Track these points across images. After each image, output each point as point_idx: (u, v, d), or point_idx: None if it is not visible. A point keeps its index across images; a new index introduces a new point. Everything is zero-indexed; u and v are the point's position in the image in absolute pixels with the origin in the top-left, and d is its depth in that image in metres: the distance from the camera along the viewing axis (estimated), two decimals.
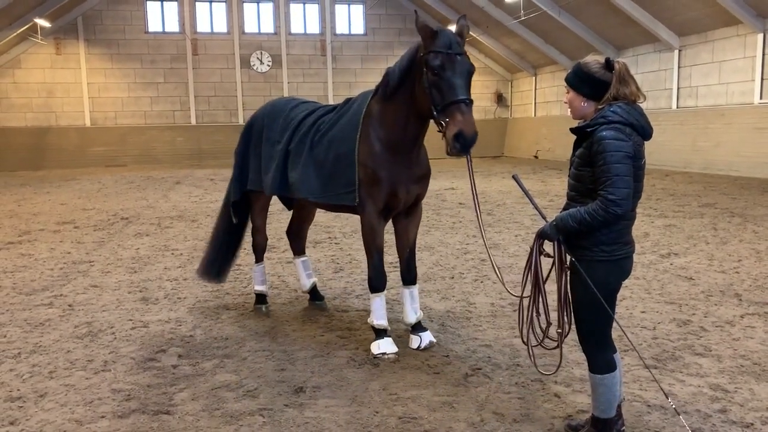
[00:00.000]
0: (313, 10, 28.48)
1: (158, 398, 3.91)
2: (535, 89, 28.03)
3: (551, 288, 3.29)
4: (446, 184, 16.65)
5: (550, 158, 25.52)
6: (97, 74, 26.46)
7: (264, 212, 5.82)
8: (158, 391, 4.03)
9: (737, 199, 12.34)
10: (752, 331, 4.94)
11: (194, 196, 15.11)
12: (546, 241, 3.21)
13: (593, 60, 3.09)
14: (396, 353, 4.54)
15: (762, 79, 16.64)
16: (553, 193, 14.35)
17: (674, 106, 19.83)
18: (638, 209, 3.21)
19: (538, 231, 3.22)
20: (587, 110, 3.11)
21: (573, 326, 3.23)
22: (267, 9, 28.09)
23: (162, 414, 3.69)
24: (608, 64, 3.04)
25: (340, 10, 28.83)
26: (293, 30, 28.32)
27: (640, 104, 3.08)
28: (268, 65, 27.93)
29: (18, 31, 23.10)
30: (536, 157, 27.05)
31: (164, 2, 27.26)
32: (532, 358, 3.40)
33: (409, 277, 4.88)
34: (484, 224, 4.36)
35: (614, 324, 3.16)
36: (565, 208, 3.18)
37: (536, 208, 3.31)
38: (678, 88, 19.74)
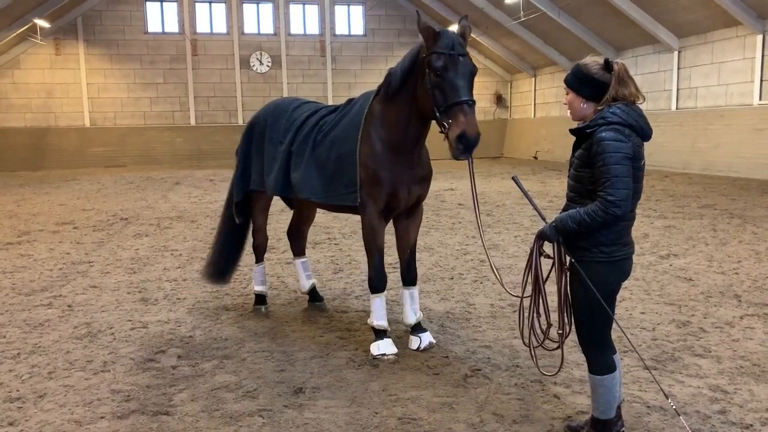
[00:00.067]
0: (312, 10, 28.48)
1: (158, 399, 3.91)
2: (535, 90, 28.04)
3: (551, 289, 3.29)
4: (445, 184, 16.66)
5: (550, 159, 25.52)
6: (97, 75, 26.44)
7: (265, 212, 5.83)
8: (157, 391, 4.02)
9: (736, 200, 12.35)
10: (752, 332, 4.94)
11: (194, 197, 15.11)
12: (546, 242, 3.21)
13: (592, 61, 3.10)
14: (395, 354, 4.54)
15: (761, 80, 16.64)
16: (552, 194, 14.36)
17: (674, 107, 19.84)
18: (637, 210, 3.21)
19: (537, 232, 3.22)
20: (587, 111, 3.11)
21: (573, 327, 3.23)
22: (266, 10, 28.09)
23: (161, 415, 3.69)
24: (607, 65, 3.04)
25: (340, 11, 28.83)
26: (293, 31, 28.32)
27: (639, 105, 3.08)
28: (268, 66, 27.93)
29: (17, 32, 23.08)
30: (535, 158, 27.06)
31: (164, 3, 27.25)
32: (534, 359, 3.40)
33: (409, 278, 4.88)
34: (483, 225, 4.36)
35: (614, 325, 3.16)
36: (564, 209, 3.19)
37: (536, 209, 3.31)
38: (677, 89, 19.74)
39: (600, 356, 3.14)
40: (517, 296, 3.44)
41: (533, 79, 28.10)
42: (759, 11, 16.30)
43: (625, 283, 3.68)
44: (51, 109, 26.11)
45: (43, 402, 3.89)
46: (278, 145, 5.15)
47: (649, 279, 6.62)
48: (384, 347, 4.57)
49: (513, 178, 3.48)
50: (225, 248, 5.87)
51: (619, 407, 3.26)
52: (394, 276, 5.74)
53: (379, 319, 4.67)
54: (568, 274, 3.15)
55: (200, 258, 8.09)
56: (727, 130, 17.62)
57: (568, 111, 3.20)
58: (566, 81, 3.16)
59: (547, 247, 3.22)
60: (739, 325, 5.13)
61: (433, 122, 4.28)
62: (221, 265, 5.88)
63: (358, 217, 4.72)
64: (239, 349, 4.80)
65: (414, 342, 4.74)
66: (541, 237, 3.20)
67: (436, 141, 4.49)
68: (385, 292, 4.76)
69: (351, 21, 29.01)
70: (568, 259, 3.14)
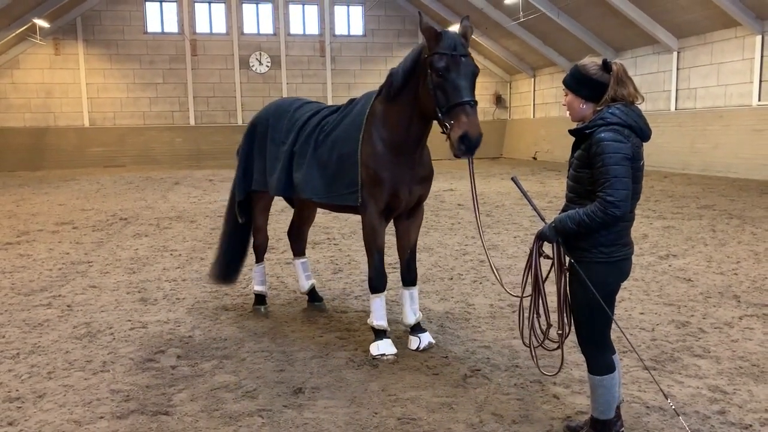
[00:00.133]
0: (312, 11, 28.49)
1: (157, 399, 3.91)
2: (534, 91, 28.05)
3: (551, 289, 3.30)
4: (445, 185, 16.67)
5: (549, 159, 25.53)
6: (96, 75, 26.44)
7: (266, 212, 5.83)
8: (157, 391, 4.02)
9: (736, 201, 12.36)
10: (751, 333, 4.95)
11: (193, 197, 15.11)
12: (545, 242, 3.22)
13: (591, 62, 3.10)
14: (395, 354, 4.55)
15: (760, 81, 16.66)
16: (551, 194, 14.37)
17: (673, 108, 19.86)
18: (637, 211, 3.22)
19: (537, 233, 3.23)
20: (586, 112, 3.11)
21: (572, 328, 3.23)
22: (266, 10, 28.09)
23: (161, 415, 3.69)
24: (606, 66, 3.04)
25: (339, 11, 28.84)
26: (292, 31, 28.33)
27: (638, 105, 3.08)
28: (267, 66, 27.93)
29: (17, 32, 23.07)
30: (535, 158, 27.06)
31: (163, 3, 27.25)
32: (535, 359, 3.41)
33: (409, 278, 4.89)
34: (482, 225, 4.36)
35: (613, 325, 3.17)
36: (563, 210, 3.19)
37: (535, 209, 3.32)
38: (676, 90, 19.76)
39: (599, 356, 3.15)
40: (517, 296, 3.44)
41: (532, 79, 28.12)
42: (758, 12, 16.32)
43: (625, 284, 3.69)
44: (50, 109, 26.10)
45: (42, 402, 3.89)
46: (280, 145, 5.15)
47: (649, 279, 6.63)
48: (383, 347, 4.57)
49: (512, 179, 3.48)
50: (230, 248, 5.88)
51: (618, 407, 3.26)
52: (394, 276, 5.74)
53: (378, 319, 4.67)
54: (567, 274, 3.15)
55: (200, 258, 8.09)
56: (726, 131, 17.64)
57: (568, 112, 3.21)
58: (565, 82, 3.16)
59: (547, 248, 3.22)
60: (738, 325, 5.14)
61: (434, 122, 4.28)
62: (228, 265, 5.89)
63: (357, 218, 4.72)
64: (239, 349, 4.80)
65: (413, 342, 4.74)
66: (540, 237, 3.20)
67: (436, 141, 4.49)
68: (385, 292, 4.76)
69: (350, 21, 29.02)
70: (567, 259, 3.15)
